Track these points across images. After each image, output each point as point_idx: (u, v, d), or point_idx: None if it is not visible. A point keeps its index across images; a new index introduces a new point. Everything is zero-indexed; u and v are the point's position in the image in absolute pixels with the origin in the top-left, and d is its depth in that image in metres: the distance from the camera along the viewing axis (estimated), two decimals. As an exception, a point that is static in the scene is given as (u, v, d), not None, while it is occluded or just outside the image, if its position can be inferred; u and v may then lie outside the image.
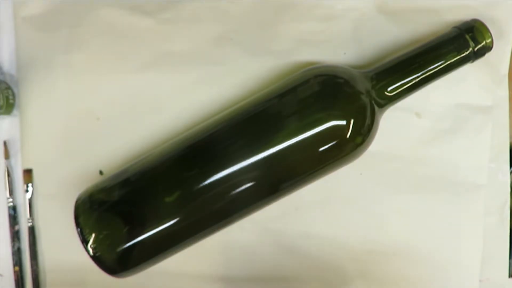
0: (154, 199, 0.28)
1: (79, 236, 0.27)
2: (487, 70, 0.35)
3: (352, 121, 0.29)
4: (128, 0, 0.34)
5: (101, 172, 0.34)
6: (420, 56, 0.31)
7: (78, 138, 0.34)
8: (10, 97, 0.34)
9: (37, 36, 0.34)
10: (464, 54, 0.31)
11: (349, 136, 0.29)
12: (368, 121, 0.30)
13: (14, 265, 0.35)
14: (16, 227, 0.35)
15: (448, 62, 0.31)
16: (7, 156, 0.35)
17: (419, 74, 0.31)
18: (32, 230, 0.35)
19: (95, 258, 0.27)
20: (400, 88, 0.31)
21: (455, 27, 0.32)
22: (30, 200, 0.34)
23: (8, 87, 0.34)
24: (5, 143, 0.35)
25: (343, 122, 0.29)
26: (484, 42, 0.31)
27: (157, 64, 0.34)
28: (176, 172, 0.29)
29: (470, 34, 0.31)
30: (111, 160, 0.34)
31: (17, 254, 0.35)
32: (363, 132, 0.30)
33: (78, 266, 0.34)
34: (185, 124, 0.34)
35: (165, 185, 0.29)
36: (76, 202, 0.29)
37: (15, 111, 0.35)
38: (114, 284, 0.31)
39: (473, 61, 0.32)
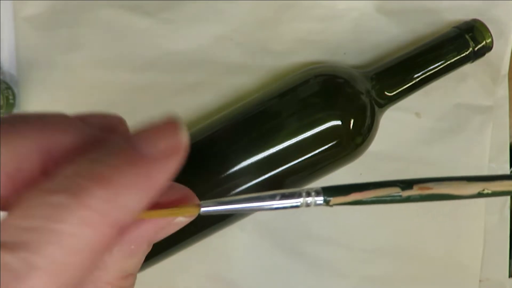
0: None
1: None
2: (487, 70, 0.35)
3: (352, 121, 0.29)
4: (128, 0, 0.34)
5: (101, 172, 0.34)
6: (420, 56, 0.31)
7: (78, 138, 0.34)
8: (10, 97, 0.34)
9: (37, 36, 0.34)
10: (464, 54, 0.31)
11: (349, 136, 0.29)
12: (368, 121, 0.30)
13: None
14: (16, 227, 0.35)
15: (448, 62, 0.31)
16: (7, 156, 0.35)
17: (419, 74, 0.31)
18: (32, 230, 0.34)
19: (95, 258, 0.27)
20: (400, 88, 0.31)
21: (455, 27, 0.32)
22: (30, 200, 0.34)
23: (8, 87, 0.34)
24: (5, 143, 0.35)
25: (343, 122, 0.29)
26: (484, 42, 0.31)
27: (157, 64, 0.34)
28: (175, 172, 0.29)
29: (470, 34, 0.31)
30: (111, 160, 0.34)
31: (17, 254, 0.34)
32: (363, 132, 0.30)
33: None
34: (185, 124, 0.34)
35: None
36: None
37: (15, 111, 0.35)
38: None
39: (473, 61, 0.32)
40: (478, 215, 0.35)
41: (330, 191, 0.18)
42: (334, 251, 0.35)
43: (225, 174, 0.28)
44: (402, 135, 0.35)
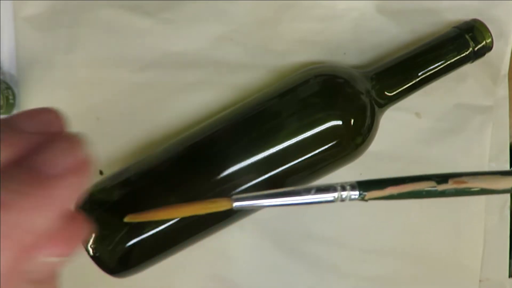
0: (154, 199, 0.28)
1: (79, 236, 0.27)
2: (487, 70, 0.35)
3: (352, 121, 0.29)
4: (128, 0, 0.34)
5: (101, 172, 0.34)
6: (420, 56, 0.31)
7: (78, 138, 0.34)
8: (10, 97, 0.34)
9: (37, 36, 0.34)
10: (464, 54, 0.31)
11: (349, 136, 0.29)
12: (368, 121, 0.30)
13: (14, 265, 0.34)
14: (16, 227, 0.35)
15: (448, 62, 0.31)
16: (7, 156, 0.35)
17: (419, 74, 0.31)
18: (32, 230, 0.34)
19: (95, 258, 0.27)
20: (400, 88, 0.31)
21: (455, 27, 0.32)
22: (30, 200, 0.34)
23: (8, 87, 0.34)
24: (5, 143, 0.35)
25: (343, 122, 0.29)
26: (484, 42, 0.31)
27: (157, 64, 0.34)
28: (176, 172, 0.29)
29: (470, 34, 0.31)
30: (111, 160, 0.34)
31: (17, 254, 0.34)
32: (363, 132, 0.30)
33: (78, 266, 0.34)
34: (185, 124, 0.34)
35: (165, 185, 0.29)
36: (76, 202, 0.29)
37: (15, 111, 0.35)
38: (114, 284, 0.31)
39: (473, 61, 0.32)
40: (478, 215, 0.35)
41: (365, 185, 0.17)
42: (334, 251, 0.35)
43: (225, 174, 0.28)
44: (402, 135, 0.35)
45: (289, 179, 0.29)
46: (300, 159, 0.29)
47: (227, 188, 0.28)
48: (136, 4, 0.34)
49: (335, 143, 0.29)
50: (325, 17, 0.34)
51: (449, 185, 0.17)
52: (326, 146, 0.29)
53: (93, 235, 0.27)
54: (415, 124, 0.35)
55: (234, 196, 0.16)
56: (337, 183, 0.17)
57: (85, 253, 0.27)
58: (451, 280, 0.35)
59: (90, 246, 0.27)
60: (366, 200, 0.17)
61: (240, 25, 0.34)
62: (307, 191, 0.17)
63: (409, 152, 0.35)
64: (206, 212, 0.16)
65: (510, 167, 0.36)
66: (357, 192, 0.17)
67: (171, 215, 0.15)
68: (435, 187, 0.17)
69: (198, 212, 0.15)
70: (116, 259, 0.28)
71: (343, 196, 0.17)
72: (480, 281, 0.35)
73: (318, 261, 0.35)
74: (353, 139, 0.29)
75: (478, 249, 0.35)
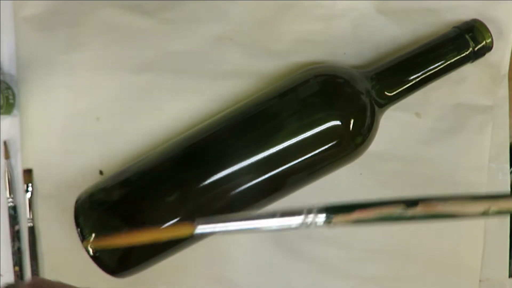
0: (154, 199, 0.28)
1: (79, 236, 0.27)
2: (487, 70, 0.35)
3: (352, 121, 0.29)
4: (128, 0, 0.34)
5: (101, 172, 0.34)
6: (420, 56, 0.31)
7: (78, 138, 0.34)
8: (10, 97, 0.34)
9: (37, 36, 0.34)
10: (464, 54, 0.31)
11: (349, 136, 0.29)
12: (368, 121, 0.30)
13: (14, 265, 0.35)
14: (16, 227, 0.35)
15: (448, 62, 0.31)
16: (7, 156, 0.35)
17: (419, 74, 0.31)
18: (32, 230, 0.35)
19: (95, 258, 0.27)
20: (400, 88, 0.31)
21: (455, 27, 0.32)
22: (30, 200, 0.34)
23: (8, 87, 0.34)
24: (5, 143, 0.35)
25: (343, 122, 0.29)
26: (484, 42, 0.31)
27: (157, 64, 0.34)
28: (176, 172, 0.29)
29: (470, 34, 0.31)
30: (111, 160, 0.34)
31: (17, 254, 0.35)
32: (363, 132, 0.30)
33: (78, 266, 0.34)
34: (185, 124, 0.34)
35: (165, 185, 0.29)
36: (76, 202, 0.29)
37: (15, 111, 0.35)
38: (114, 284, 0.31)
39: (473, 61, 0.32)
40: (478, 215, 0.35)
41: (332, 210, 0.17)
42: (334, 251, 0.35)
43: (225, 174, 0.28)
44: (402, 135, 0.35)
45: (289, 179, 0.29)
46: (300, 159, 0.29)
47: (227, 188, 0.28)
48: (136, 4, 0.34)
49: (335, 143, 0.29)
50: (325, 17, 0.34)
51: (419, 210, 0.17)
52: (326, 146, 0.29)
53: (93, 235, 0.27)
54: (415, 124, 0.35)
55: (197, 220, 0.15)
56: (303, 207, 0.17)
57: (85, 253, 0.27)
58: (451, 280, 0.35)
59: (90, 246, 0.27)
60: (333, 226, 0.17)
61: (240, 25, 0.34)
62: (272, 216, 0.17)
63: (409, 152, 0.35)
64: (168, 238, 0.15)
65: (510, 168, 0.36)
66: (323, 215, 0.17)
67: (132, 241, 0.15)
68: (404, 211, 0.17)
69: (159, 238, 0.15)
70: (116, 259, 0.28)
71: (308, 223, 0.17)
72: (480, 281, 0.35)
73: (318, 261, 0.35)
74: (353, 139, 0.29)
75: (478, 249, 0.35)
